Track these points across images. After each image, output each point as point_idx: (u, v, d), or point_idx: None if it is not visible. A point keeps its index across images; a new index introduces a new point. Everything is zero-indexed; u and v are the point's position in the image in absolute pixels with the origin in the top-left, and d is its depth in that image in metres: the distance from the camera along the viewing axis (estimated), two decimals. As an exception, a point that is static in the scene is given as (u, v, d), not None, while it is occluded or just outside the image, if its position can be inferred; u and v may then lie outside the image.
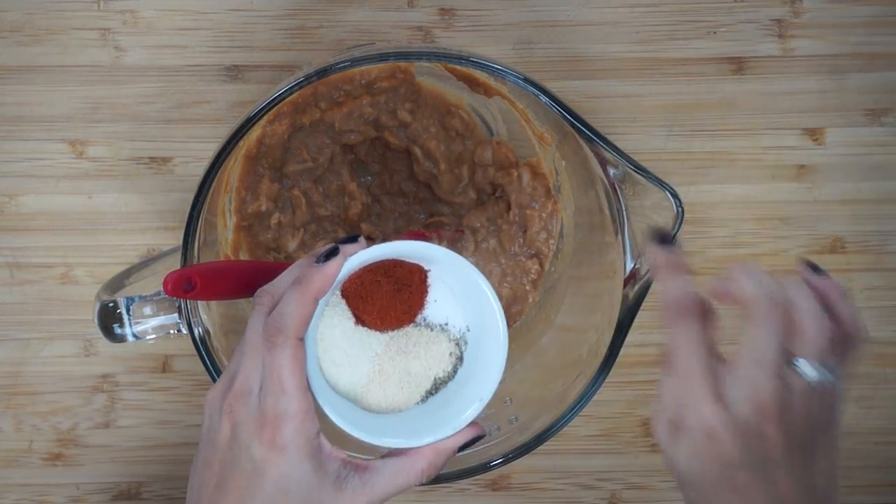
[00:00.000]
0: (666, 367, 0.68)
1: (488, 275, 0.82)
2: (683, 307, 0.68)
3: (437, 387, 0.74)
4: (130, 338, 0.79)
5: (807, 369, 0.67)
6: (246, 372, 0.69)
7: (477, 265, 0.74)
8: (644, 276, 0.75)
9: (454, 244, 0.87)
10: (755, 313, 0.67)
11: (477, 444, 0.73)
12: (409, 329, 0.74)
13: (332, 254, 0.70)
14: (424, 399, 0.74)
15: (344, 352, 0.72)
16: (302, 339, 0.69)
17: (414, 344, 0.74)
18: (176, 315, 0.78)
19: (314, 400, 0.70)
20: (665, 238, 0.71)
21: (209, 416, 0.71)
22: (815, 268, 0.71)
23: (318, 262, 0.70)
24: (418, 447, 0.71)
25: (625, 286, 0.76)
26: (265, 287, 0.71)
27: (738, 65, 0.93)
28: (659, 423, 0.69)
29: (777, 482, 0.67)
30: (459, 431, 0.72)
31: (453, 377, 0.75)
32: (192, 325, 0.77)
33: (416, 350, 0.74)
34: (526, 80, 0.75)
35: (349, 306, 0.73)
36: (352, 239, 0.71)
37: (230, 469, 0.69)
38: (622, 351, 0.77)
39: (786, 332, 0.67)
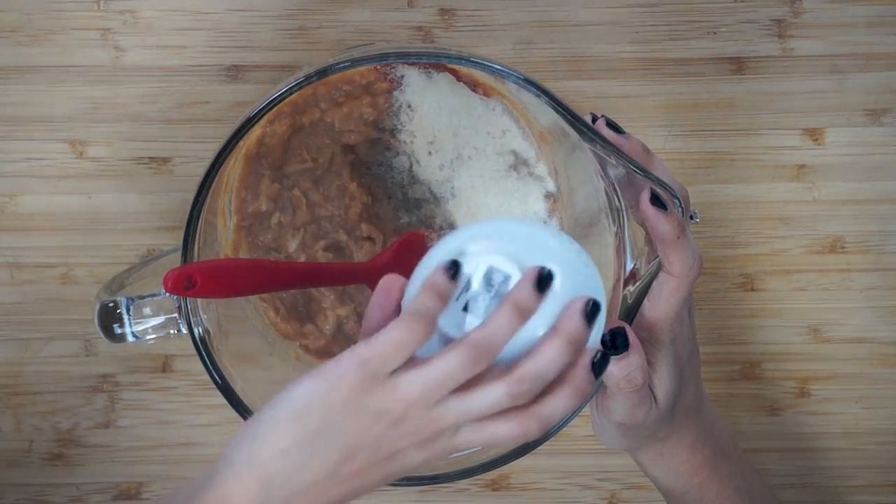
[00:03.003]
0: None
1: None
2: None
3: None
4: (130, 338, 0.79)
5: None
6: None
7: None
8: (644, 276, 0.75)
9: None
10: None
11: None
12: None
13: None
14: None
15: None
16: None
17: None
18: (176, 315, 0.78)
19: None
20: (660, 199, 0.72)
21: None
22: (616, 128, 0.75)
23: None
24: None
25: (624, 286, 0.76)
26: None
27: (738, 65, 0.92)
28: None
29: None
30: None
31: None
32: (193, 325, 0.77)
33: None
34: (526, 80, 0.75)
35: None
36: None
37: None
38: (622, 350, 0.77)
39: None
